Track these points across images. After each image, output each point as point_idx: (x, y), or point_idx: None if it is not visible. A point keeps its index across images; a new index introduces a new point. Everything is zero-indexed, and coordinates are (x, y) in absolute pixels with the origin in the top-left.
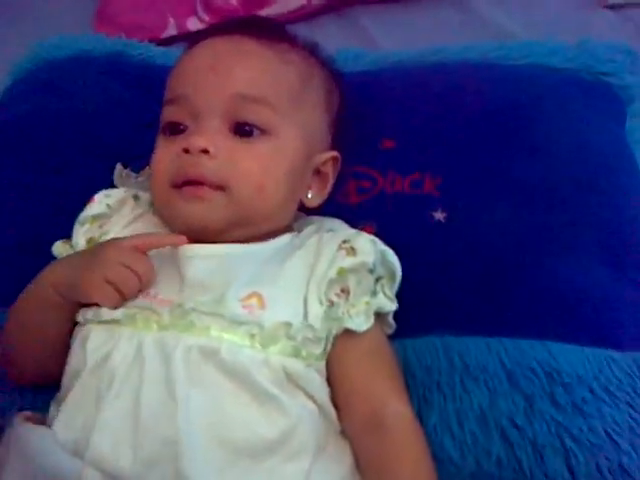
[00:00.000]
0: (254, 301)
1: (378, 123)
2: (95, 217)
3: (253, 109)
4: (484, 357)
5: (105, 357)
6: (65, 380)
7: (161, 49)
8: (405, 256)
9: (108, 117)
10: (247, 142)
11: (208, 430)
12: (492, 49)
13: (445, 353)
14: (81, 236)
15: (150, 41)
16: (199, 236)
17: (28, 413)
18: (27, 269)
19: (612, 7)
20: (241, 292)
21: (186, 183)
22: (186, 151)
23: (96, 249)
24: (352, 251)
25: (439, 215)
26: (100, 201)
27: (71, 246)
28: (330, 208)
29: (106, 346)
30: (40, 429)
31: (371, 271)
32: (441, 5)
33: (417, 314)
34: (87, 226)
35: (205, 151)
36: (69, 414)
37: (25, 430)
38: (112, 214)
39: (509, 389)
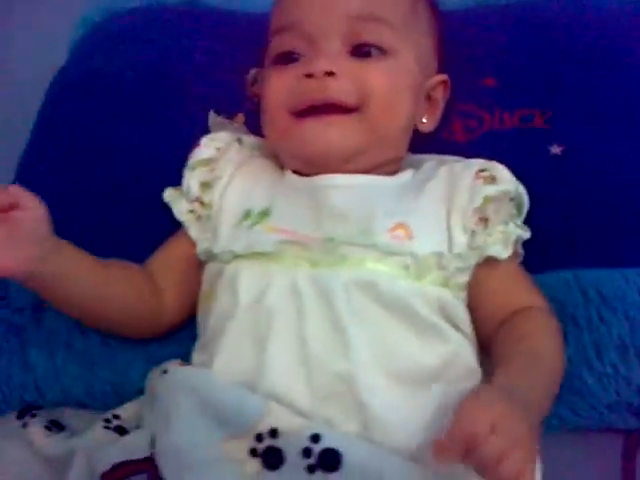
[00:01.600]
0: (401, 232)
1: (476, 61)
2: (206, 161)
3: (372, 29)
4: (622, 288)
5: (259, 295)
6: (212, 322)
7: None
8: (527, 191)
9: (195, 65)
10: (368, 62)
11: (375, 362)
12: None
13: (579, 287)
14: (194, 180)
15: None
16: (318, 167)
17: (179, 361)
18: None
19: None
20: (387, 223)
21: (311, 109)
22: (309, 76)
23: None
24: (492, 179)
25: (556, 149)
26: (207, 145)
27: (181, 192)
28: (437, 147)
29: (259, 284)
30: (205, 371)
31: (511, 199)
32: None
33: (544, 249)
34: (199, 170)
35: (330, 73)
36: (228, 357)
37: (190, 371)
38: (220, 157)
39: None
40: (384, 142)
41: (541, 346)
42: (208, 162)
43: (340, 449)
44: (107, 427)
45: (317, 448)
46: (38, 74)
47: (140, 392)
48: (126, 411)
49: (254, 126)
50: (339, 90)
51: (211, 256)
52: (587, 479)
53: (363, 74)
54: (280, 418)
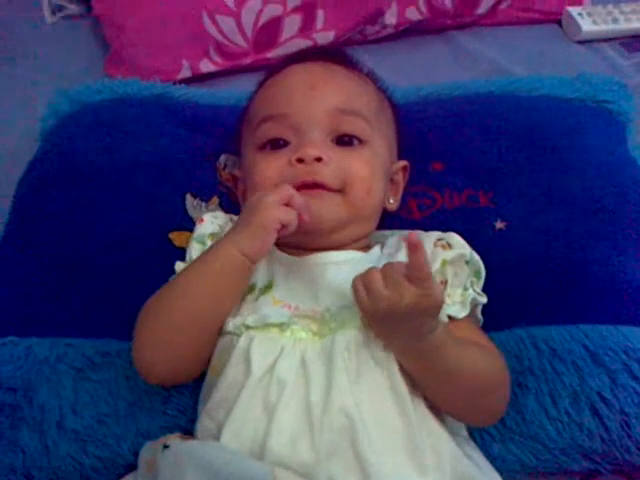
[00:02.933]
0: None
1: (424, 149)
2: (212, 235)
3: (352, 121)
4: (568, 342)
5: (271, 367)
6: (222, 392)
7: (200, 90)
8: None
9: (170, 153)
10: (350, 150)
11: (370, 416)
12: (508, 83)
13: (532, 341)
14: (196, 253)
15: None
16: (307, 238)
17: (178, 434)
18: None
19: (581, 42)
20: None
21: (301, 188)
22: (299, 161)
23: (246, 210)
24: (448, 246)
25: (500, 224)
26: (211, 221)
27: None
28: (397, 224)
29: (271, 355)
30: (212, 442)
31: (467, 262)
32: (433, 42)
33: (496, 311)
34: (208, 242)
35: (318, 159)
36: (238, 424)
37: (195, 446)
38: (221, 234)
39: (595, 368)
40: (362, 219)
41: (481, 354)
42: (214, 236)
43: None
44: None
45: None
46: None
47: (130, 466)
48: None
49: (228, 207)
50: (326, 174)
51: (222, 332)
52: None
53: (347, 162)
54: None
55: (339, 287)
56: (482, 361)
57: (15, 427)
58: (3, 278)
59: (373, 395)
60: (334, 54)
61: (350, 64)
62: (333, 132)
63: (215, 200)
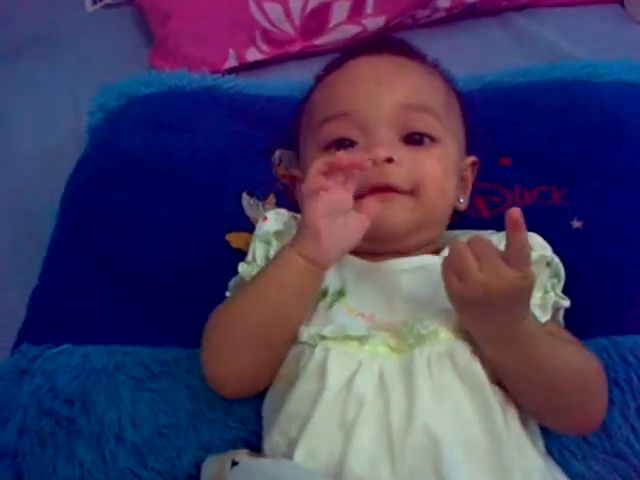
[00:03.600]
0: None
1: (490, 142)
2: (277, 233)
3: (421, 118)
4: None
5: (348, 382)
6: (293, 406)
7: (250, 81)
8: None
9: (224, 149)
10: (421, 150)
11: (454, 435)
12: (579, 68)
13: (617, 352)
14: (260, 252)
15: (212, 73)
16: (377, 244)
17: (246, 451)
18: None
19: None
20: None
21: (371, 191)
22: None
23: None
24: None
25: (577, 223)
26: (276, 219)
27: (254, 265)
28: (464, 223)
29: (349, 369)
30: (285, 461)
31: (548, 264)
32: (487, 25)
33: (575, 318)
34: (274, 243)
35: (389, 160)
36: (313, 441)
37: (267, 464)
38: (286, 232)
39: None
40: (434, 222)
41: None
42: (279, 234)
43: None
44: None
45: None
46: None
47: (190, 479)
48: None
49: (284, 206)
50: (398, 176)
51: (296, 341)
52: None
53: (419, 162)
54: None
55: (415, 297)
56: (576, 355)
57: (72, 440)
58: (56, 284)
59: (458, 414)
60: (397, 45)
61: (414, 55)
62: (402, 130)
63: (272, 199)
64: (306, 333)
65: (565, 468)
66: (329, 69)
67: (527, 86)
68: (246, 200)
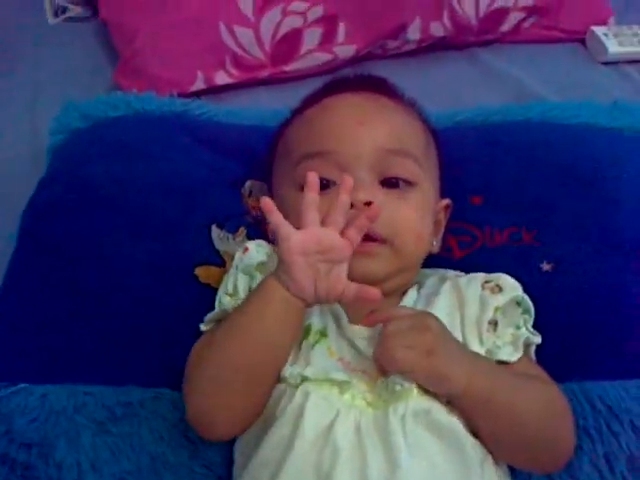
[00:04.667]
0: None
1: (462, 181)
2: (260, 265)
3: (402, 163)
4: (625, 399)
5: (325, 431)
6: (267, 451)
7: (220, 108)
8: None
9: (194, 178)
10: (398, 194)
11: None
12: (548, 109)
13: (586, 398)
14: (255, 284)
15: (179, 95)
16: None
17: None
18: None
19: (606, 64)
20: None
21: None
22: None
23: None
24: (498, 288)
25: (546, 266)
26: (257, 250)
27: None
28: (436, 263)
29: (326, 418)
30: None
31: (518, 304)
32: (455, 59)
33: (545, 362)
34: (257, 275)
35: (368, 204)
36: None
37: None
38: (269, 264)
39: None
40: (410, 267)
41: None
42: (262, 266)
43: None
44: None
45: None
46: None
47: None
48: None
49: (255, 238)
50: (377, 223)
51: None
52: None
53: (395, 208)
54: None
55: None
56: (538, 395)
57: None
58: (11, 318)
59: (435, 473)
60: (378, 83)
61: (394, 95)
62: (381, 173)
63: (242, 231)
64: (289, 372)
65: None
66: (308, 103)
67: (498, 125)
68: (216, 233)
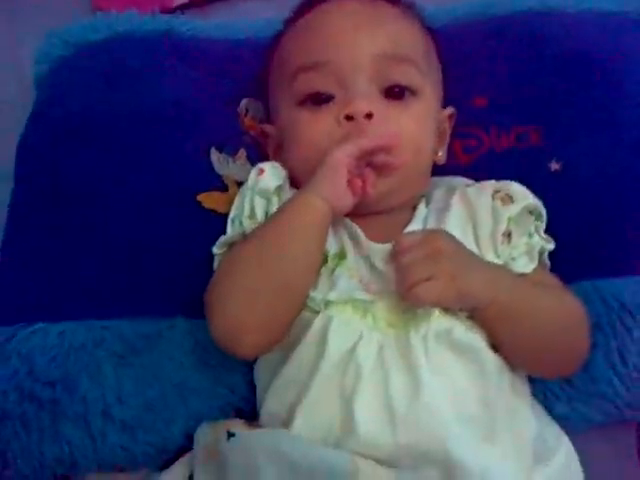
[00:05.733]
0: None
1: (464, 81)
2: (278, 188)
3: (402, 69)
4: (637, 295)
5: (349, 353)
6: (291, 372)
7: (207, 23)
8: None
9: (186, 102)
10: (401, 105)
11: (453, 411)
12: None
13: (599, 296)
14: (272, 208)
15: (162, 11)
16: (360, 206)
17: (241, 420)
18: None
19: None
20: None
21: None
22: (348, 118)
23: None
24: (509, 198)
25: (555, 165)
26: (273, 173)
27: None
28: (441, 170)
29: (349, 341)
30: (283, 432)
31: (531, 212)
32: None
33: (557, 261)
34: (274, 199)
35: (369, 115)
36: (312, 411)
37: (266, 436)
38: (284, 187)
39: None
40: (413, 180)
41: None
42: (278, 190)
43: None
44: None
45: None
46: None
47: (182, 448)
48: (173, 476)
49: (256, 160)
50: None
51: None
52: (606, 461)
53: (397, 119)
54: (372, 472)
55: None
56: (558, 303)
57: (57, 421)
58: (20, 259)
59: (457, 391)
60: None
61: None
62: (382, 82)
63: (242, 153)
64: (312, 297)
65: (550, 410)
66: (300, 11)
67: (498, 18)
68: (215, 156)
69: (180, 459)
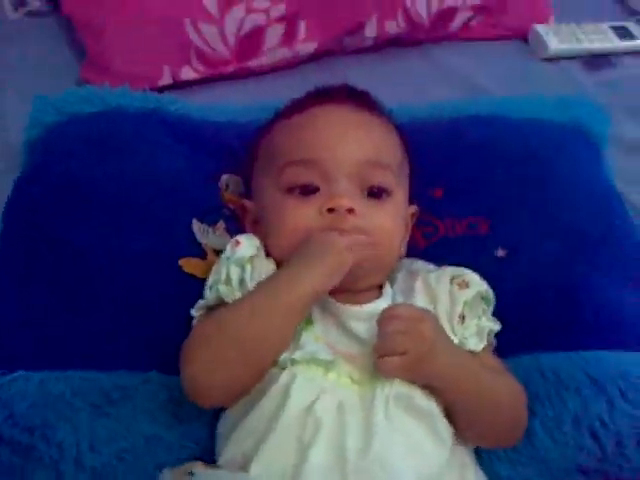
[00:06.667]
0: None
1: (423, 174)
2: (252, 258)
3: (381, 173)
4: (571, 369)
5: (309, 407)
6: (254, 420)
7: (192, 104)
8: None
9: (173, 173)
10: (379, 204)
11: (407, 468)
12: (496, 104)
13: (538, 369)
14: (246, 275)
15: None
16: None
17: (201, 462)
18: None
19: (548, 60)
20: None
21: None
22: (330, 211)
23: (307, 251)
24: (465, 284)
25: (501, 252)
26: (249, 243)
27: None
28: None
29: (310, 396)
30: (240, 473)
31: (482, 297)
32: (409, 55)
33: (502, 337)
34: (248, 267)
35: (350, 210)
36: (269, 457)
37: (223, 476)
38: (259, 256)
39: (595, 393)
40: (382, 270)
41: (495, 380)
42: (252, 259)
43: None
44: None
45: None
46: None
47: None
48: None
49: (234, 231)
50: (356, 226)
51: None
52: None
53: (375, 216)
54: None
55: (367, 340)
56: (509, 382)
57: (29, 469)
58: (6, 309)
59: (413, 449)
60: (360, 97)
61: (375, 109)
62: (363, 183)
63: (221, 225)
64: (280, 357)
65: (494, 471)
66: (293, 109)
67: (455, 120)
68: (197, 226)
69: None
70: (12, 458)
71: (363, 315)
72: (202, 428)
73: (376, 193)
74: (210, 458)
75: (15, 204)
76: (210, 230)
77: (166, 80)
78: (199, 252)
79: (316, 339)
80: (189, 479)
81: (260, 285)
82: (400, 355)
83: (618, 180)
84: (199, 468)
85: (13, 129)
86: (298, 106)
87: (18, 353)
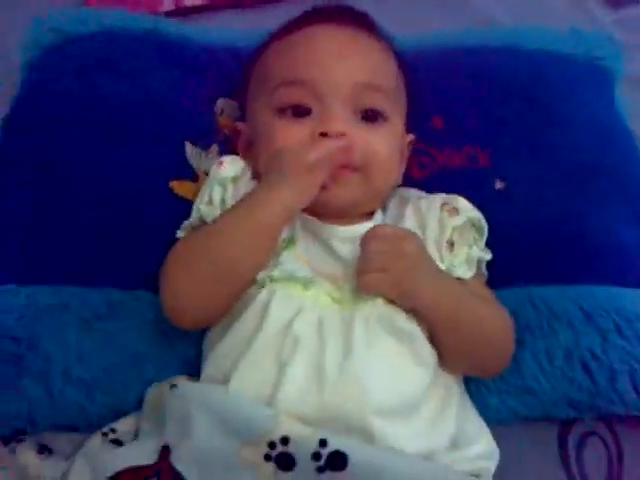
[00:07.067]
0: None
1: (424, 103)
2: (234, 178)
3: (376, 97)
4: (564, 302)
5: (288, 324)
6: (232, 340)
7: (191, 28)
8: None
9: (167, 95)
10: (374, 128)
11: (383, 386)
12: (506, 34)
13: (530, 300)
14: (227, 195)
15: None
16: (322, 210)
17: (185, 376)
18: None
19: None
20: None
21: None
22: (323, 134)
23: (278, 167)
24: (455, 211)
25: (499, 184)
26: (232, 164)
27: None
28: None
29: (289, 313)
30: (220, 386)
31: (473, 225)
32: None
33: (496, 269)
34: (230, 187)
35: (342, 134)
36: (247, 373)
37: (203, 388)
38: (243, 177)
39: (588, 326)
40: (377, 197)
41: (479, 305)
42: (235, 180)
43: (346, 451)
44: (105, 439)
45: (325, 451)
46: None
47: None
48: (123, 425)
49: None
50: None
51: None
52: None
53: (370, 140)
54: (291, 427)
55: (352, 261)
56: (485, 311)
57: (20, 376)
58: None
59: (391, 370)
60: (359, 18)
61: (374, 31)
62: (357, 106)
63: (215, 149)
64: (259, 276)
65: (482, 401)
66: (288, 29)
67: (461, 50)
68: (189, 149)
69: (130, 415)
70: (4, 366)
71: (347, 235)
72: (189, 347)
73: (371, 116)
74: (197, 376)
75: (10, 123)
76: (203, 154)
77: (169, 6)
78: (190, 174)
79: (296, 258)
80: (171, 392)
81: (234, 204)
82: (380, 272)
83: (631, 118)
84: (182, 381)
85: (14, 51)
86: (294, 25)
87: (8, 266)
